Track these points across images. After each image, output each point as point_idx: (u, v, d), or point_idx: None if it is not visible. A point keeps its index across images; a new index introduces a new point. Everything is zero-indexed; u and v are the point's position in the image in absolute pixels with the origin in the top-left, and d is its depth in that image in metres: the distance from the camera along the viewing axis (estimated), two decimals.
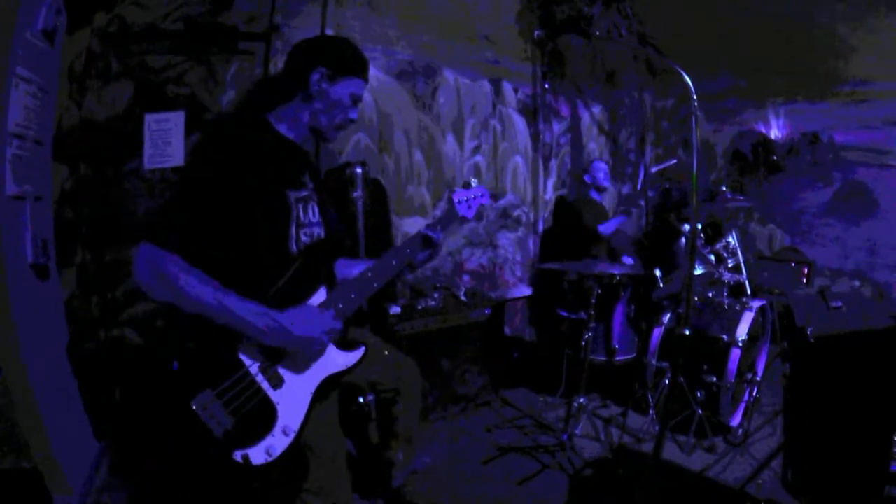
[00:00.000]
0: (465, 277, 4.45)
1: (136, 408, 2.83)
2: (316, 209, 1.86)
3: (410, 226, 4.00)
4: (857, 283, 4.77)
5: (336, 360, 1.78)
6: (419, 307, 3.58)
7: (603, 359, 3.94)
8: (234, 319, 1.51)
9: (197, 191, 1.54)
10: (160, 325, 1.57)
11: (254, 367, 1.60)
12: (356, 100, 1.84)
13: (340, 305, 1.75)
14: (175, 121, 3.02)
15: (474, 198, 2.17)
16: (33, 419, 2.28)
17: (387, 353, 2.30)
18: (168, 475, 2.61)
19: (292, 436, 1.62)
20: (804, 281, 4.56)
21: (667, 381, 3.37)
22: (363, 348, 1.86)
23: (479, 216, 4.47)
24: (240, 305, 1.51)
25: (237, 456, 1.53)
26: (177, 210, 1.55)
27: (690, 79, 1.98)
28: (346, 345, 1.84)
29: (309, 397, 1.69)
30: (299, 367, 1.69)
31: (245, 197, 1.57)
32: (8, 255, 2.21)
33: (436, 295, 3.75)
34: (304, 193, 1.81)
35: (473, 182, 2.19)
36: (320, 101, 1.77)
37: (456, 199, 2.14)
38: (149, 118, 2.99)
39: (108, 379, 2.85)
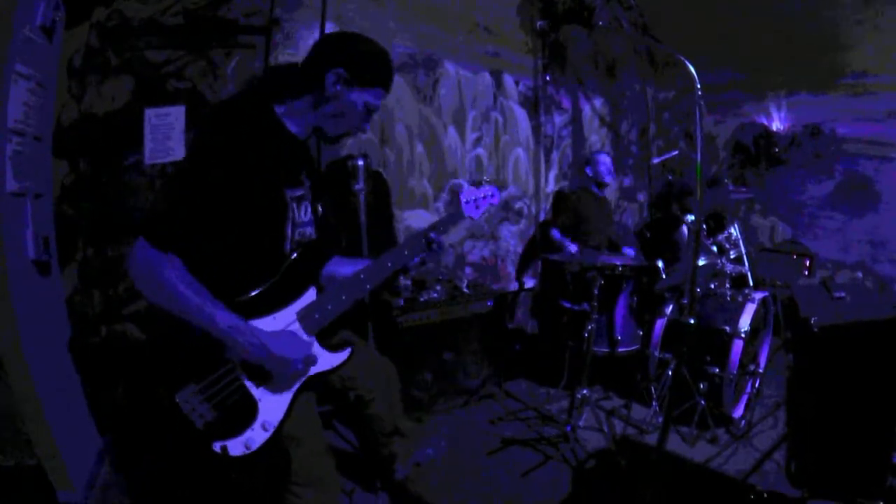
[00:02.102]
0: (468, 270, 4.45)
1: (132, 402, 2.84)
2: (308, 208, 1.82)
3: (412, 218, 4.00)
4: (859, 275, 4.76)
5: (322, 360, 1.76)
6: (421, 299, 3.58)
7: (605, 350, 3.94)
8: (217, 332, 1.49)
9: (195, 185, 1.49)
10: (154, 321, 1.57)
11: (239, 365, 1.60)
12: (371, 110, 1.76)
13: (316, 316, 1.73)
14: (175, 115, 3.02)
15: (483, 198, 2.08)
16: (36, 416, 2.29)
17: (361, 351, 2.27)
18: (166, 469, 2.63)
19: (271, 431, 1.63)
20: (806, 273, 4.55)
21: (670, 373, 3.37)
22: (349, 350, 1.84)
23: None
24: (224, 320, 1.49)
25: (216, 447, 1.56)
26: (173, 204, 1.50)
27: (693, 70, 1.97)
28: (332, 345, 1.82)
29: (291, 395, 1.69)
30: None
31: (243, 194, 1.53)
32: (9, 251, 2.21)
33: (438, 287, 3.75)
34: (300, 192, 1.77)
35: (485, 180, 2.12)
36: (332, 104, 1.68)
37: (464, 199, 2.06)
38: (149, 113, 2.98)
39: (110, 374, 2.85)
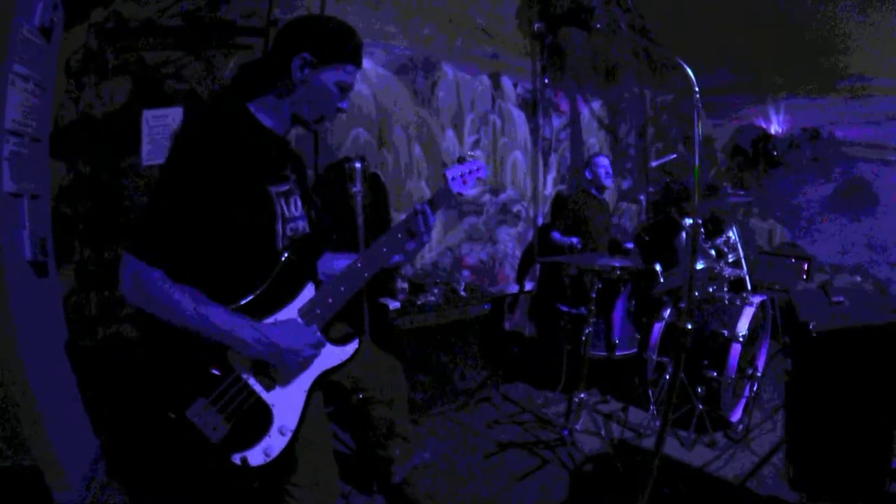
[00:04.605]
0: (465, 272, 4.44)
1: (133, 411, 2.82)
2: (299, 202, 1.79)
3: None
4: (858, 279, 4.77)
5: (330, 355, 1.74)
6: (419, 302, 3.58)
7: (603, 354, 3.93)
8: (217, 333, 1.48)
9: (173, 195, 1.48)
10: (153, 336, 1.53)
11: (245, 371, 1.58)
12: (344, 88, 1.70)
13: (318, 311, 1.69)
14: (173, 116, 3.01)
15: (469, 172, 1.99)
16: (33, 417, 2.28)
17: (369, 352, 2.26)
18: (165, 475, 2.61)
19: (289, 435, 1.61)
20: (804, 276, 4.56)
21: (667, 377, 3.36)
22: (357, 341, 1.81)
23: (478, 210, 4.46)
24: (223, 319, 1.48)
25: (236, 459, 1.54)
26: (157, 216, 1.49)
27: (691, 73, 1.97)
28: (338, 339, 1.79)
29: (304, 396, 1.66)
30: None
31: (224, 197, 1.51)
32: (6, 252, 2.20)
33: (435, 290, 3.75)
34: (286, 187, 1.74)
35: (468, 155, 2.02)
36: (303, 90, 1.65)
37: (450, 176, 1.96)
38: (147, 114, 2.98)
39: (106, 375, 2.84)
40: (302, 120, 1.72)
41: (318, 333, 1.67)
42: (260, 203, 1.63)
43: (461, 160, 2.02)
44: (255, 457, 1.56)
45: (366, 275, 1.79)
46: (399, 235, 1.86)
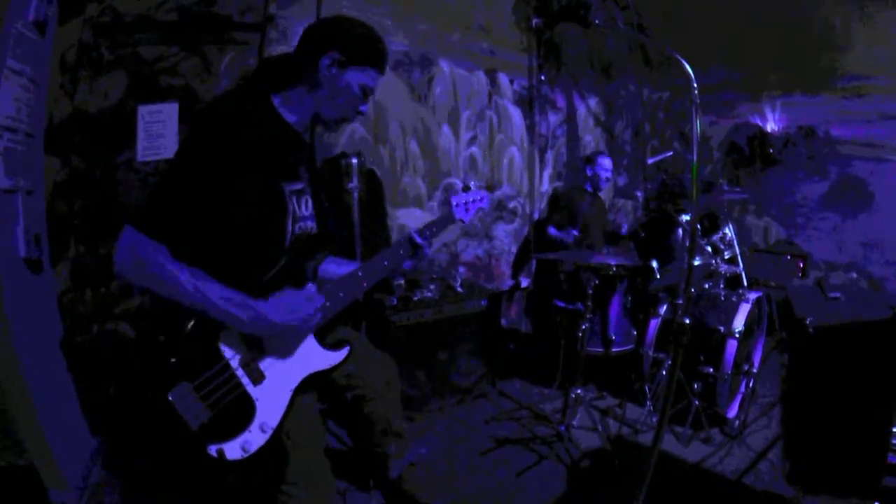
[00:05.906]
0: (461, 269, 4.44)
1: (125, 401, 2.81)
2: (310, 202, 1.81)
3: (406, 216, 3.99)
4: (853, 275, 4.79)
5: (320, 358, 1.76)
6: (415, 298, 3.56)
7: (599, 350, 3.94)
8: (212, 308, 1.47)
9: (185, 178, 1.49)
10: (147, 317, 1.53)
11: (234, 361, 1.57)
12: (367, 92, 1.73)
13: (328, 303, 1.72)
14: (168, 112, 3.00)
15: (473, 202, 2.19)
16: (28, 415, 2.27)
17: (364, 348, 2.27)
18: (159, 470, 2.60)
19: (269, 433, 1.60)
20: (799, 274, 4.58)
21: (664, 372, 3.37)
22: (348, 348, 1.83)
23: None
24: (218, 294, 1.48)
25: (212, 450, 1.52)
26: (166, 197, 1.49)
27: (689, 69, 1.97)
28: (331, 344, 1.81)
29: (289, 395, 1.66)
30: (282, 363, 1.66)
31: (237, 188, 1.52)
32: (0, 249, 2.19)
33: (432, 286, 3.74)
34: (300, 186, 1.75)
35: (473, 185, 2.22)
36: (327, 88, 1.66)
37: (454, 202, 2.16)
38: (142, 110, 2.96)
39: (102, 373, 2.83)
40: (322, 118, 1.74)
41: (318, 310, 1.67)
42: (273, 199, 1.65)
43: (466, 189, 2.20)
44: (232, 451, 1.54)
45: (365, 284, 1.85)
46: (401, 251, 1.96)
